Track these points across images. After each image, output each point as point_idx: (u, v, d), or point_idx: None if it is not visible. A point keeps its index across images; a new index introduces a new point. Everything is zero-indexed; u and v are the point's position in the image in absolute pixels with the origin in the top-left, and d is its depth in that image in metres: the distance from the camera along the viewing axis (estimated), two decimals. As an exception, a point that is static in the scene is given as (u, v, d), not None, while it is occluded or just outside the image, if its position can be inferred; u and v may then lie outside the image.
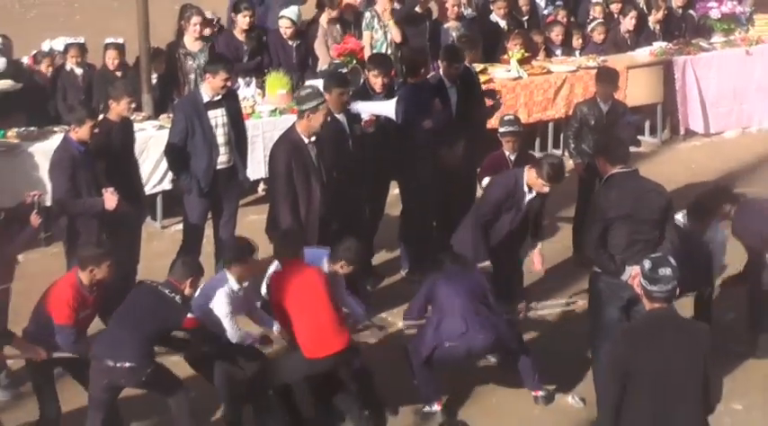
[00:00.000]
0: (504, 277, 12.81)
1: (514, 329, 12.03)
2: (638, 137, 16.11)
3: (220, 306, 11.08)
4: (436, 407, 11.54)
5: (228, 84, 13.53)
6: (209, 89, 13.21)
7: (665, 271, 8.66)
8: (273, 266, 11.58)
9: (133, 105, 13.39)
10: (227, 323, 11.01)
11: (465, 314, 11.34)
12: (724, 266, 13.05)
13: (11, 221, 12.27)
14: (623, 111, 14.85)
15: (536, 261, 12.96)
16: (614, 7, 18.20)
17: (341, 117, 13.17)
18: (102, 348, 10.55)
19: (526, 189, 12.53)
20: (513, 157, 13.41)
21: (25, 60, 15.94)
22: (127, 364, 10.43)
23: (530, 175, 12.43)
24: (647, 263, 8.76)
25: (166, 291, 10.67)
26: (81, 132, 12.28)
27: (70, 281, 10.67)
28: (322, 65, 16.39)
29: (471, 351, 11.49)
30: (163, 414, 11.01)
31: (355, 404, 11.49)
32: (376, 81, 14.01)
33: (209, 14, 16.77)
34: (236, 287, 11.20)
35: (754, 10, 18.52)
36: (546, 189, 12.41)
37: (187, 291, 10.80)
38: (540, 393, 11.75)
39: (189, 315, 10.93)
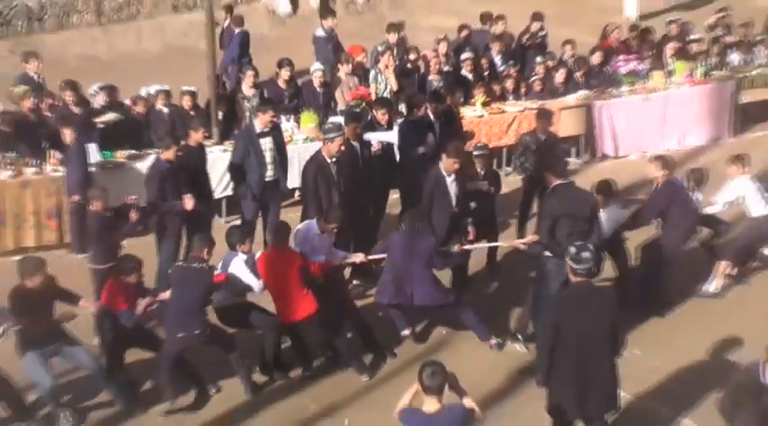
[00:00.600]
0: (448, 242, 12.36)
1: (451, 292, 12.03)
2: (567, 159, 15.63)
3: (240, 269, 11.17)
4: (406, 332, 11.86)
5: (274, 119, 13.71)
6: (260, 123, 13.38)
7: (586, 255, 9.14)
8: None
9: (206, 134, 13.74)
10: (252, 281, 11.12)
11: (407, 271, 11.43)
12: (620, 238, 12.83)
13: (117, 217, 12.49)
14: (555, 140, 14.89)
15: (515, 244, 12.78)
16: (550, 64, 17.80)
17: (355, 143, 13.34)
18: (171, 325, 10.71)
19: (444, 174, 12.48)
20: (482, 172, 13.34)
21: (126, 101, 15.77)
22: (195, 331, 10.61)
23: (444, 163, 12.49)
24: (572, 249, 9.26)
25: (194, 265, 10.80)
26: (167, 154, 12.60)
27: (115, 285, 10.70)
28: (340, 106, 16.11)
29: (416, 303, 11.57)
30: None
31: (353, 348, 11.60)
32: (381, 117, 14.19)
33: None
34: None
35: (651, 68, 18.09)
36: (456, 165, 12.40)
37: (206, 257, 10.91)
38: (493, 342, 11.85)
39: (216, 272, 11.00)
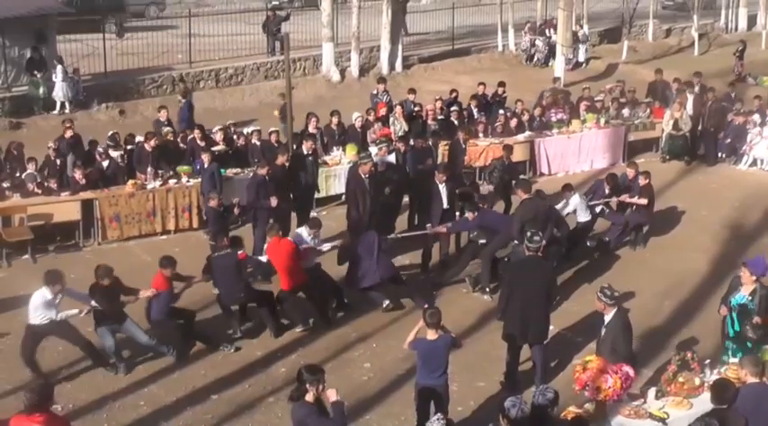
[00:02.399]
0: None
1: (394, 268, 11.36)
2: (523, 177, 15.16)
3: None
4: (386, 302, 11.04)
5: (313, 147, 13.55)
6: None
7: (536, 238, 9.26)
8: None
9: (287, 157, 13.31)
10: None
11: (370, 259, 10.89)
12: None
13: (228, 212, 12.83)
14: (513, 164, 14.80)
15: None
16: (508, 115, 17.29)
17: (380, 166, 13.17)
18: (226, 296, 10.49)
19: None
20: (467, 183, 13.37)
21: (234, 137, 15.52)
22: (240, 295, 10.49)
23: (437, 176, 12.26)
24: (528, 233, 9.40)
25: (223, 252, 10.52)
26: (262, 171, 12.51)
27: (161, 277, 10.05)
28: (371, 142, 15.55)
29: (381, 277, 10.92)
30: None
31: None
32: (400, 147, 14.08)
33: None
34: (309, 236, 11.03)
35: (571, 117, 17.72)
36: (444, 177, 12.15)
37: (226, 242, 10.68)
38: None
39: (239, 252, 10.51)
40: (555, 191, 13.64)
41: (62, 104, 19.76)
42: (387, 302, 11.13)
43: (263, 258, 11.05)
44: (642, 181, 13.33)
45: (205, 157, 13.69)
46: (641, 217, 13.41)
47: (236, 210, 13.08)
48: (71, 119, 16.22)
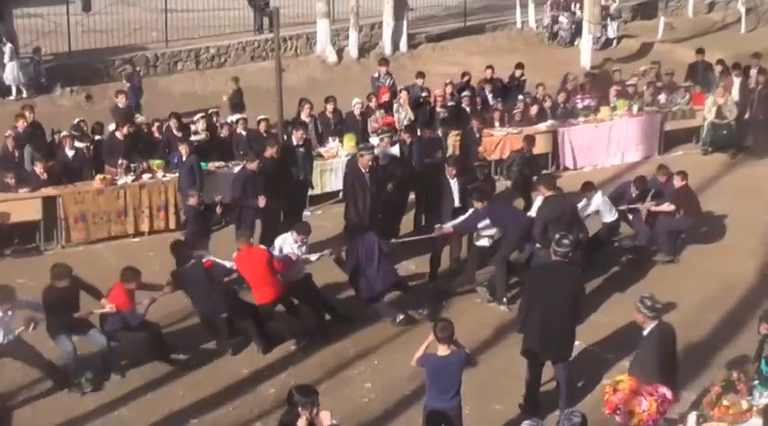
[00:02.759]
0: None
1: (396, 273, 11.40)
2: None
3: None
4: (400, 316, 11.00)
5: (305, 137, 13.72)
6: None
7: (565, 242, 9.24)
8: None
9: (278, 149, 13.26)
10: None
11: (371, 265, 10.84)
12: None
13: (209, 211, 12.88)
14: (535, 157, 14.89)
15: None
16: (528, 101, 17.37)
17: (382, 159, 13.21)
18: (203, 310, 10.50)
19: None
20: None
21: (218, 124, 15.60)
22: (218, 307, 10.41)
23: (447, 170, 12.39)
24: (556, 236, 9.40)
25: (189, 264, 10.41)
26: (252, 165, 12.52)
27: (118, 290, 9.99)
28: (372, 132, 15.74)
29: (383, 285, 10.95)
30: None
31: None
32: (407, 138, 13.99)
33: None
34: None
35: (599, 104, 17.81)
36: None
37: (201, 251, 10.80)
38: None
39: (204, 260, 10.53)
40: (574, 190, 13.48)
41: (17, 89, 19.73)
42: (401, 316, 11.04)
43: (229, 263, 10.83)
44: (678, 182, 13.20)
45: (183, 149, 13.70)
46: (675, 223, 13.22)
47: (218, 210, 13.02)
48: (30, 106, 16.23)
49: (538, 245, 11.17)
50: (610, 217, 12.82)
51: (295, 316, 10.99)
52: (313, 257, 11.27)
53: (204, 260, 10.54)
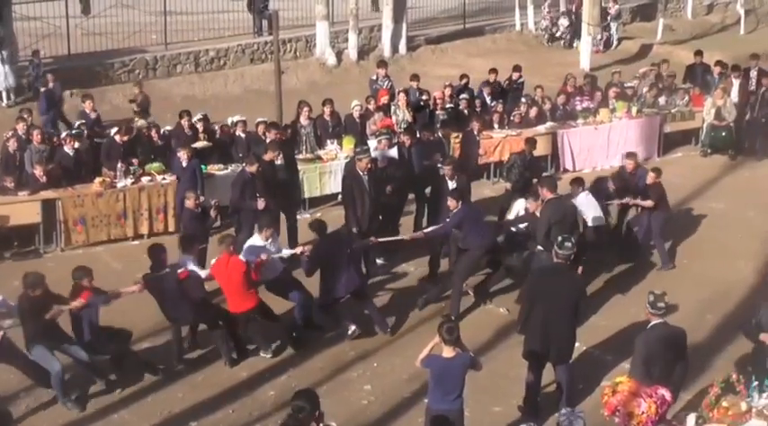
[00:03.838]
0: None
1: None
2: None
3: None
4: (352, 327, 10.78)
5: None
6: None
7: (567, 244, 9.23)
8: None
9: (278, 153, 13.19)
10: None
11: (341, 268, 10.66)
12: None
13: (206, 214, 12.49)
14: (536, 159, 14.84)
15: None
16: (528, 103, 17.28)
17: (381, 161, 13.17)
18: (173, 317, 10.30)
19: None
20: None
21: (216, 127, 15.51)
22: (187, 315, 10.27)
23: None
24: (559, 238, 9.39)
25: (162, 273, 10.12)
26: (251, 168, 12.48)
27: None
28: (371, 134, 15.49)
29: (344, 292, 10.72)
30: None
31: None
32: (406, 141, 13.86)
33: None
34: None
35: (598, 105, 17.80)
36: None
37: (187, 256, 10.52)
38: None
39: (179, 271, 10.23)
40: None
41: (7, 95, 19.43)
42: (353, 327, 10.83)
43: (204, 273, 10.58)
44: (651, 179, 13.00)
45: (183, 154, 13.65)
46: (649, 223, 13.01)
47: (212, 213, 12.98)
48: (29, 109, 16.23)
49: (539, 247, 11.20)
50: (594, 217, 12.36)
51: (272, 320, 10.82)
52: (285, 253, 11.12)
53: (180, 270, 10.27)
